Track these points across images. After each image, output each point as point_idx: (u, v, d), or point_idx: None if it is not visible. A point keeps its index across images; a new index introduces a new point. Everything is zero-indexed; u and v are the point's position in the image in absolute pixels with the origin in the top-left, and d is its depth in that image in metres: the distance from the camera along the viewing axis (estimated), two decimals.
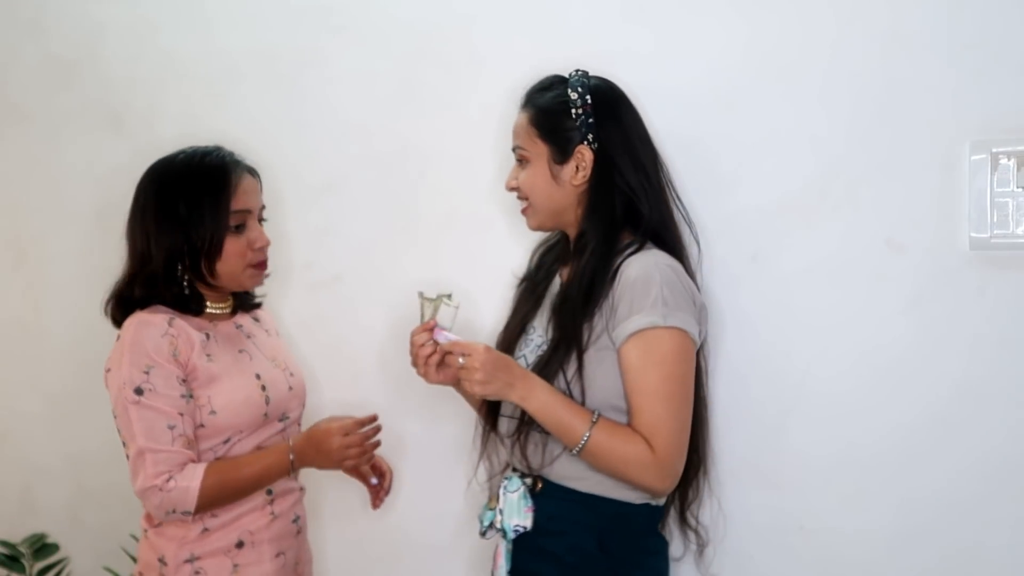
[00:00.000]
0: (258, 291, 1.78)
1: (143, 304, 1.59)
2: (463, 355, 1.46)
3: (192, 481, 1.51)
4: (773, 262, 1.65)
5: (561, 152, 1.53)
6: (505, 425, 1.58)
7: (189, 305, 1.61)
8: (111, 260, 2.36)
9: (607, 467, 1.46)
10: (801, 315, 1.63)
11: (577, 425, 1.44)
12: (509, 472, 1.58)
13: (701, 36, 1.69)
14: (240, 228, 1.60)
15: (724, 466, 1.69)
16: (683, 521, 1.65)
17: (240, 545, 1.59)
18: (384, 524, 2.01)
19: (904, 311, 1.56)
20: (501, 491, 1.55)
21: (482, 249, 1.80)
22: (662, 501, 1.56)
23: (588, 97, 1.53)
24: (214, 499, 1.54)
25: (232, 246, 1.59)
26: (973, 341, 1.52)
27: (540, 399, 1.45)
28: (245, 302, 1.75)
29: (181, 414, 1.53)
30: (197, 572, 1.57)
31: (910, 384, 1.56)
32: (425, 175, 1.94)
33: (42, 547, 2.34)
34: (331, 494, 2.05)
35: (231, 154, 1.66)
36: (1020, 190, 1.48)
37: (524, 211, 1.60)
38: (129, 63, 2.26)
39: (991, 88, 1.49)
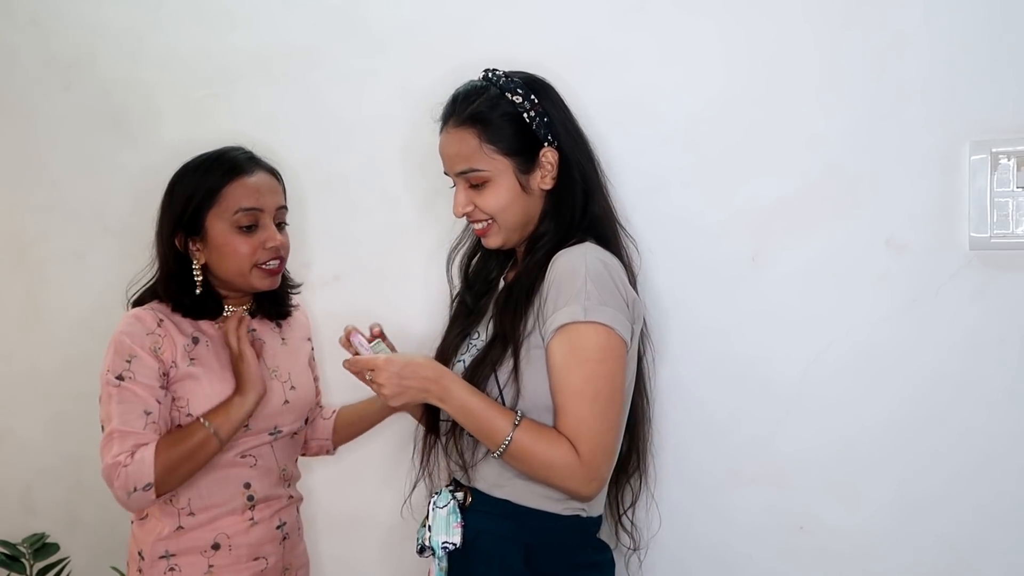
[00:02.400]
0: (295, 300, 1.82)
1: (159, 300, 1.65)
2: (368, 371, 1.42)
3: (147, 452, 1.50)
4: (773, 262, 1.65)
5: (527, 161, 1.48)
6: (444, 429, 1.54)
7: (205, 308, 1.63)
8: (111, 260, 2.37)
9: (531, 470, 1.40)
10: (801, 315, 1.63)
11: (500, 425, 1.38)
12: (440, 487, 1.54)
13: (701, 37, 1.69)
14: (252, 228, 1.61)
15: (724, 466, 1.69)
16: (619, 524, 1.63)
17: (216, 547, 1.60)
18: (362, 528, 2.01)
19: (904, 311, 1.56)
20: (431, 507, 1.49)
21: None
22: (595, 512, 1.51)
23: (533, 97, 1.48)
24: (171, 467, 1.51)
25: (241, 244, 1.60)
26: (973, 341, 1.51)
27: (459, 399, 1.40)
28: (270, 308, 1.74)
29: (159, 401, 1.55)
30: (172, 569, 1.59)
31: (910, 384, 1.56)
32: (424, 175, 1.94)
33: (42, 547, 2.33)
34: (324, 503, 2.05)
35: (249, 153, 1.68)
36: (1020, 190, 1.48)
37: (484, 231, 1.52)
38: (129, 63, 2.26)
39: (991, 88, 1.49)
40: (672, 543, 1.73)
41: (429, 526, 1.48)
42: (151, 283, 1.67)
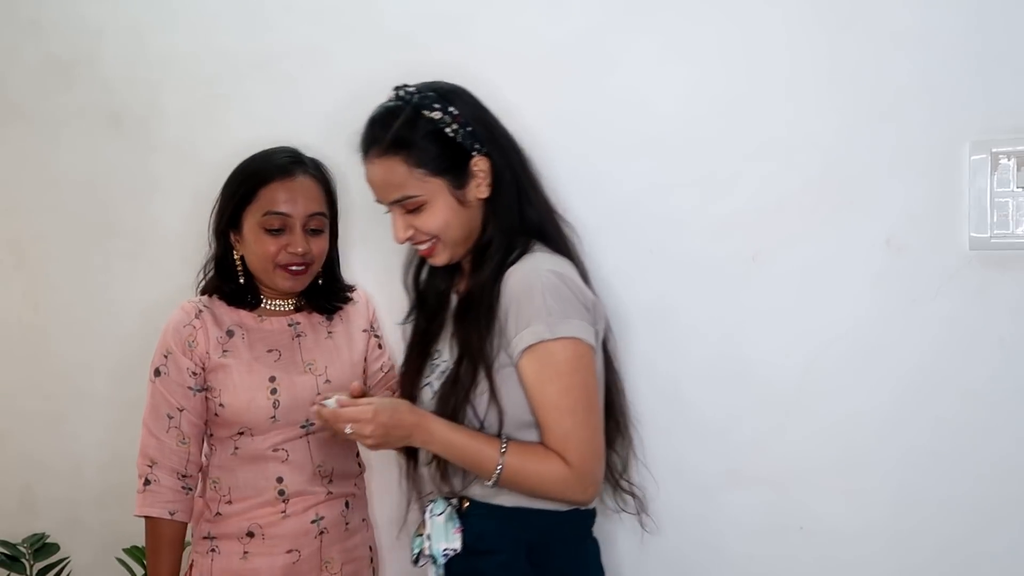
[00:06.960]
0: (358, 292, 1.88)
1: (207, 291, 1.75)
2: (349, 424, 1.42)
3: (148, 504, 1.67)
4: (773, 262, 1.65)
5: (459, 176, 1.45)
6: (424, 455, 1.53)
7: (244, 298, 1.72)
8: (112, 260, 2.37)
9: (527, 490, 1.42)
10: (800, 315, 1.63)
11: (488, 454, 1.40)
12: (434, 495, 1.52)
13: (700, 37, 1.69)
14: (279, 232, 1.66)
15: (723, 466, 1.69)
16: (618, 487, 1.62)
17: (251, 535, 1.67)
18: None
19: (904, 311, 1.56)
20: (427, 515, 1.49)
21: None
22: (592, 504, 1.52)
23: (452, 109, 1.45)
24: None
25: (268, 244, 1.66)
26: (973, 341, 1.51)
27: (442, 439, 1.41)
28: (319, 303, 1.79)
29: (181, 409, 1.68)
30: (213, 549, 1.69)
31: (910, 384, 1.56)
32: None
33: (42, 547, 2.33)
34: None
35: (296, 156, 1.73)
36: (1020, 190, 1.48)
37: (430, 251, 1.50)
38: (128, 63, 2.26)
39: (991, 88, 1.49)
40: (672, 544, 1.73)
41: (428, 535, 1.47)
42: (204, 268, 1.78)
